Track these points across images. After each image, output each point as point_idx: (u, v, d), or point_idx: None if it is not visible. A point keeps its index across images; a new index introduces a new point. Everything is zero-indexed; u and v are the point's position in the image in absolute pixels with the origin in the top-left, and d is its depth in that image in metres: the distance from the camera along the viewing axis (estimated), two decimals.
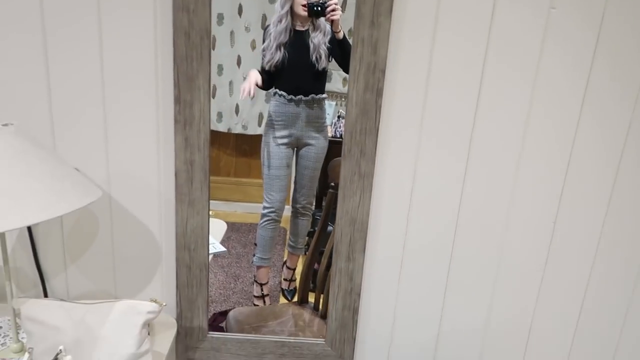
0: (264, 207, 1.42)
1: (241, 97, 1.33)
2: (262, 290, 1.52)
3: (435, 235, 1.22)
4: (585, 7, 1.06)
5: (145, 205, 1.18)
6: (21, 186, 0.81)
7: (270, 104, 1.35)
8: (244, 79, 1.33)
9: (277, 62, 1.28)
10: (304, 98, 1.33)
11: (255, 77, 1.29)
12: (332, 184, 1.38)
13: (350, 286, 1.24)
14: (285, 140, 1.37)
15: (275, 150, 1.37)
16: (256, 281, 1.53)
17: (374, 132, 1.12)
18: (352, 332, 1.27)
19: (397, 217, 1.21)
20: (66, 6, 1.04)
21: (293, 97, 1.33)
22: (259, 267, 1.52)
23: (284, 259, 1.55)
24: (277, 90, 1.33)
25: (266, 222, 1.45)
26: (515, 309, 1.29)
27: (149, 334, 1.03)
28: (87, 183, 0.95)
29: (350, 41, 1.07)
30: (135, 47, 1.07)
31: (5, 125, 0.87)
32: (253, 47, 1.36)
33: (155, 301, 1.00)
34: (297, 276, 1.55)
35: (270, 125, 1.36)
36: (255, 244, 1.49)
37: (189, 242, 1.19)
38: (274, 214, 1.43)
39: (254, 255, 1.51)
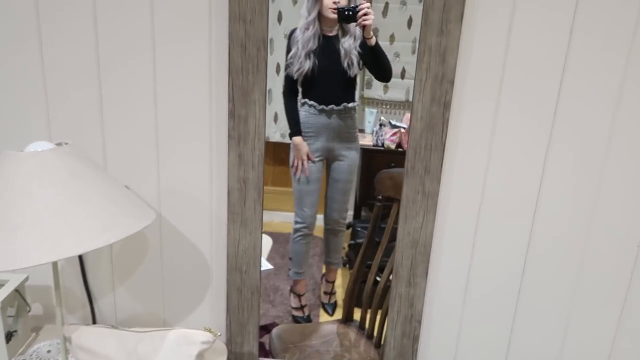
0: (296, 222, 1.38)
1: (296, 175, 1.30)
2: (300, 301, 1.47)
3: (503, 260, 1.13)
4: None
5: (196, 225, 1.13)
6: (76, 210, 0.76)
7: (301, 115, 1.29)
8: (283, 87, 1.29)
9: (307, 70, 1.22)
10: (335, 108, 1.27)
11: (306, 150, 1.24)
12: (379, 197, 1.32)
13: (411, 313, 1.16)
14: (317, 154, 1.31)
15: (309, 165, 1.31)
16: (293, 292, 1.47)
17: (440, 149, 1.04)
18: None
19: (462, 241, 1.12)
20: (119, 21, 1.00)
21: (325, 107, 1.27)
22: (295, 280, 1.46)
23: (322, 272, 1.49)
24: (307, 100, 1.27)
25: (299, 237, 1.40)
26: (591, 342, 1.18)
27: None
28: (141, 205, 0.90)
29: (416, 48, 1.00)
30: (189, 60, 1.03)
31: (60, 144, 0.83)
32: None
33: (209, 330, 0.94)
34: (337, 288, 1.50)
35: (301, 137, 1.30)
36: (290, 258, 1.45)
37: (241, 263, 1.13)
38: (306, 229, 1.39)
39: (289, 270, 1.46)
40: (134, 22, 1.01)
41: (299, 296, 1.46)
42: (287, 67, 1.25)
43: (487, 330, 1.19)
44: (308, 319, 1.48)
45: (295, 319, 1.49)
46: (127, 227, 0.81)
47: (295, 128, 1.29)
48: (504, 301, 1.16)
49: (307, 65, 1.23)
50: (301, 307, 1.47)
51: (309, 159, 1.28)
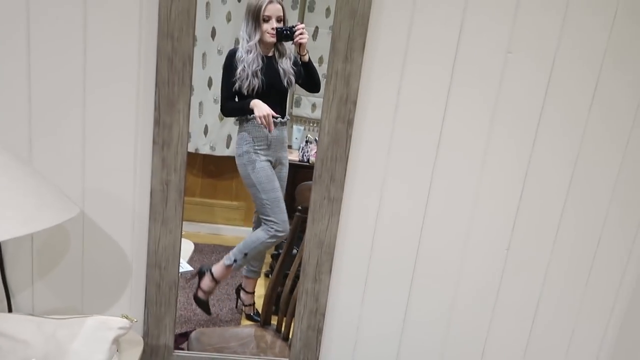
0: (277, 230, 1.42)
1: (270, 130, 1.36)
2: (251, 299, 1.52)
3: (398, 259, 1.29)
4: (539, 51, 1.18)
5: (118, 223, 1.19)
6: (1, 199, 0.82)
7: (245, 128, 1.39)
8: (214, 100, 1.36)
9: (257, 88, 1.33)
10: (282, 120, 1.39)
11: (269, 109, 1.32)
12: (300, 207, 1.43)
13: (316, 306, 1.28)
14: (270, 164, 1.41)
15: (270, 172, 1.40)
16: (245, 290, 1.52)
17: (344, 160, 1.19)
18: (315, 352, 1.31)
19: (362, 241, 1.27)
20: (52, 25, 1.07)
21: (275, 120, 1.37)
22: (249, 278, 1.52)
23: (241, 284, 1.54)
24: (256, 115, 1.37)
25: (273, 243, 1.45)
26: (470, 334, 1.36)
27: (117, 350, 1.04)
28: (65, 199, 0.97)
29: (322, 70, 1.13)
30: (118, 68, 1.10)
31: None
32: None
33: (126, 317, 1.01)
34: (256, 299, 1.56)
35: (253, 150, 1.39)
36: (246, 254, 1.47)
37: (160, 260, 1.21)
38: (283, 235, 1.44)
39: (234, 261, 1.48)
40: (68, 24, 1.06)
41: (251, 294, 1.52)
42: (233, 84, 1.32)
43: (382, 324, 1.33)
44: (258, 315, 1.53)
45: (249, 317, 1.53)
46: (51, 218, 0.88)
47: (246, 103, 1.34)
48: (398, 296, 1.32)
49: (256, 82, 1.32)
50: (252, 304, 1.52)
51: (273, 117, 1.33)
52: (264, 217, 1.42)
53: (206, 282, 1.50)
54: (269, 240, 1.44)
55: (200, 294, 1.50)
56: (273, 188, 1.40)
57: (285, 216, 1.43)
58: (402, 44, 1.15)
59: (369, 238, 1.27)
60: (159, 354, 1.27)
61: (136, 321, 1.03)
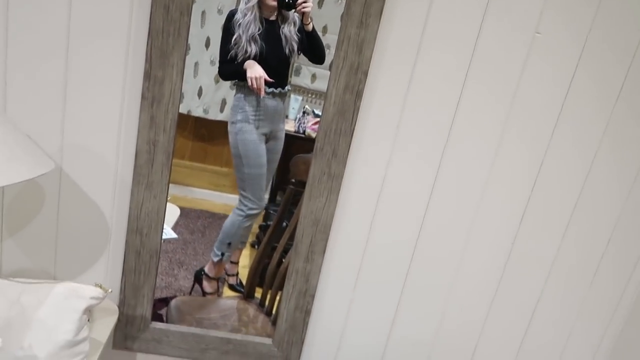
0: (250, 209, 1.37)
1: (260, 94, 1.27)
2: (216, 285, 1.48)
3: (396, 244, 1.22)
4: (569, 33, 1.08)
5: (98, 183, 1.10)
6: None
7: (241, 94, 1.30)
8: (211, 61, 1.28)
9: (254, 55, 1.24)
10: (282, 91, 1.30)
11: (262, 72, 1.24)
12: (293, 180, 1.36)
13: (306, 287, 1.21)
14: (263, 136, 1.33)
15: (259, 147, 1.32)
16: (209, 276, 1.47)
17: (349, 134, 1.10)
18: (301, 334, 1.25)
19: (360, 223, 1.19)
20: None
21: (274, 89, 1.29)
22: (216, 264, 1.46)
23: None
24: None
25: (249, 224, 1.40)
26: (463, 326, 1.31)
27: (88, 320, 0.96)
28: (39, 153, 0.87)
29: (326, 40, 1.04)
30: (107, 13, 1.00)
31: None
32: None
33: (100, 286, 0.93)
34: (241, 269, 1.52)
35: (247, 120, 1.31)
36: (228, 243, 1.44)
37: (142, 226, 1.12)
38: (258, 213, 1.39)
39: (218, 254, 1.45)
40: None
41: (216, 280, 1.47)
42: (230, 49, 1.24)
43: (374, 310, 1.27)
44: (241, 285, 1.50)
45: (232, 287, 1.49)
46: (21, 172, 0.79)
47: (242, 64, 1.26)
48: (392, 283, 1.25)
49: (253, 49, 1.23)
50: (216, 291, 1.48)
51: (265, 82, 1.26)
52: (241, 192, 1.37)
53: (207, 285, 1.46)
54: (244, 222, 1.40)
55: (209, 296, 1.47)
56: (258, 164, 1.34)
57: (262, 194, 1.38)
58: (422, 14, 1.05)
59: (368, 219, 1.19)
60: (134, 324, 1.19)
61: (111, 291, 0.95)
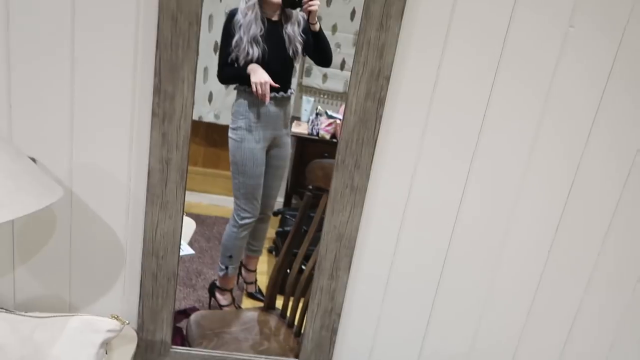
0: (243, 218, 1.33)
1: (265, 100, 1.22)
2: (230, 296, 1.43)
3: (425, 257, 1.15)
4: (605, 27, 1.01)
5: (111, 205, 1.05)
6: None
7: (242, 104, 1.25)
8: (223, 72, 1.23)
9: (256, 58, 1.18)
10: (284, 95, 1.24)
11: (267, 77, 1.18)
12: (310, 186, 1.31)
13: (331, 306, 1.15)
14: (265, 144, 1.27)
15: (258, 157, 1.27)
16: (221, 289, 1.43)
17: (372, 144, 1.04)
18: (328, 354, 1.19)
19: (386, 236, 1.13)
20: None
21: (276, 94, 1.23)
22: (225, 277, 1.42)
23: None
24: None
25: (245, 233, 1.35)
26: (499, 337, 1.24)
27: (106, 352, 0.91)
28: (47, 181, 0.82)
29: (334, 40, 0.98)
30: (113, 25, 0.94)
31: None
32: None
33: (116, 318, 0.88)
34: (259, 276, 1.48)
35: (249, 128, 1.25)
36: (231, 256, 1.40)
37: (158, 248, 1.07)
38: (253, 222, 1.34)
39: (223, 268, 1.41)
40: None
41: (229, 291, 1.43)
42: (230, 52, 1.19)
43: (403, 326, 1.21)
44: (260, 293, 1.46)
45: (251, 295, 1.46)
46: (28, 204, 0.74)
47: (244, 69, 1.20)
48: (423, 297, 1.19)
49: (255, 52, 1.18)
50: (232, 302, 1.43)
51: (270, 88, 1.21)
52: (235, 200, 1.32)
53: (221, 297, 1.42)
54: (239, 232, 1.36)
55: (226, 308, 1.43)
56: (254, 174, 1.29)
57: (256, 205, 1.33)
58: (446, 12, 0.98)
59: (395, 232, 1.13)
60: (154, 350, 1.15)
61: (128, 323, 0.90)
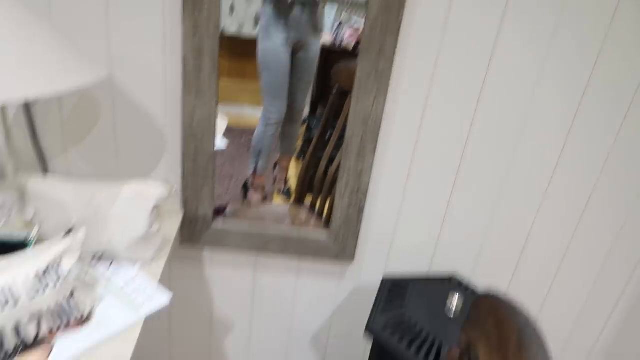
0: (269, 118, 1.37)
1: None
2: (264, 193, 1.52)
3: (447, 138, 1.20)
4: None
5: (149, 93, 1.13)
6: (25, 57, 0.76)
7: (267, 4, 1.25)
8: None
9: None
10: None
11: None
12: (335, 90, 1.33)
13: (358, 185, 1.24)
14: (289, 45, 1.30)
15: (281, 55, 1.29)
16: (256, 187, 1.52)
17: (395, 31, 1.05)
18: (356, 228, 1.29)
19: (410, 119, 1.18)
20: None
21: None
22: (258, 175, 1.51)
23: (276, 161, 1.52)
24: None
25: (272, 131, 1.41)
26: (515, 219, 1.31)
27: (158, 214, 1.03)
28: (91, 62, 0.90)
29: None
30: None
31: None
32: None
33: (164, 184, 0.99)
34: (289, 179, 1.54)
35: (267, 25, 1.27)
36: (261, 154, 1.46)
37: (196, 132, 1.16)
38: (280, 120, 1.40)
39: (255, 165, 1.49)
40: None
41: (261, 189, 1.50)
42: None
43: (426, 204, 1.29)
44: (289, 193, 1.53)
45: (282, 192, 1.52)
46: (79, 78, 0.82)
47: None
48: (444, 177, 1.25)
49: None
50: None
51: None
52: (263, 99, 1.36)
53: (253, 195, 1.49)
54: (266, 130, 1.40)
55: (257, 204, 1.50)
56: (277, 72, 1.31)
57: (280, 103, 1.36)
58: None
59: (419, 116, 1.17)
60: (197, 223, 1.27)
61: (175, 189, 1.00)
